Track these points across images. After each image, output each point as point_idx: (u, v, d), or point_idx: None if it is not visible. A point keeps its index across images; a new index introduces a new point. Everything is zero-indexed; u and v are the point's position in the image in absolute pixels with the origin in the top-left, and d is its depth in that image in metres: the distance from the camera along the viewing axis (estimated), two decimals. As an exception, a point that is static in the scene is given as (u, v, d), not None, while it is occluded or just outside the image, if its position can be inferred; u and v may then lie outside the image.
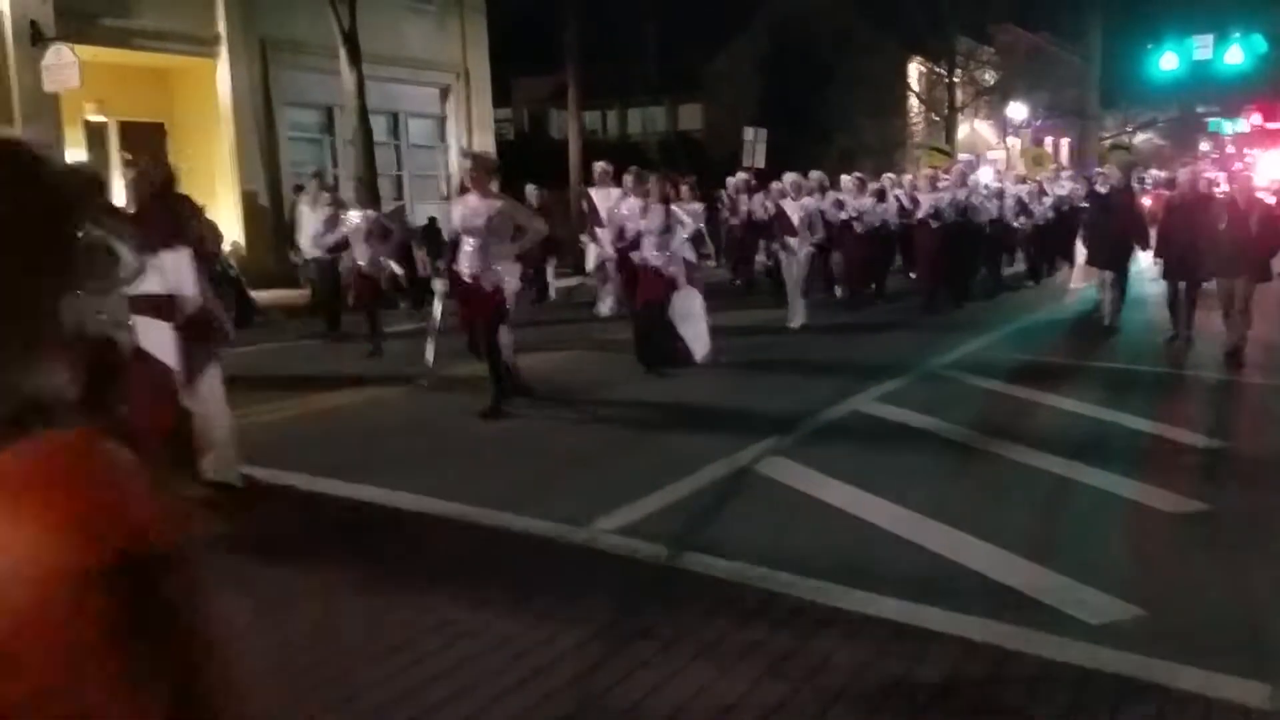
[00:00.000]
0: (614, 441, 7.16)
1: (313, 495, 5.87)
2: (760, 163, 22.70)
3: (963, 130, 37.93)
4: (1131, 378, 9.55)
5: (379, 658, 3.79)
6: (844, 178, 15.47)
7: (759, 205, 16.13)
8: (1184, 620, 4.15)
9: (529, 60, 32.16)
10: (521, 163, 21.55)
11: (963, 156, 31.55)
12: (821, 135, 32.25)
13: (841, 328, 12.61)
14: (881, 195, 15.46)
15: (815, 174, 14.97)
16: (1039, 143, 45.83)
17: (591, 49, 27.44)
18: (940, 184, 15.91)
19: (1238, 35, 30.70)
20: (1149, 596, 4.33)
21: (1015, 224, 17.41)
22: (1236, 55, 30.73)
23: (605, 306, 13.67)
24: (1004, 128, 42.32)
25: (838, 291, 15.50)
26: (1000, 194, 17.13)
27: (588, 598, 4.32)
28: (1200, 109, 55.45)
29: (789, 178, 13.00)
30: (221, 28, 17.23)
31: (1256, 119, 53.85)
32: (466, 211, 7.92)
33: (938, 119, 37.88)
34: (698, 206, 14.30)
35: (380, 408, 8.30)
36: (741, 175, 15.87)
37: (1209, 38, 30.88)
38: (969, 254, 15.20)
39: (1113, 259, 12.03)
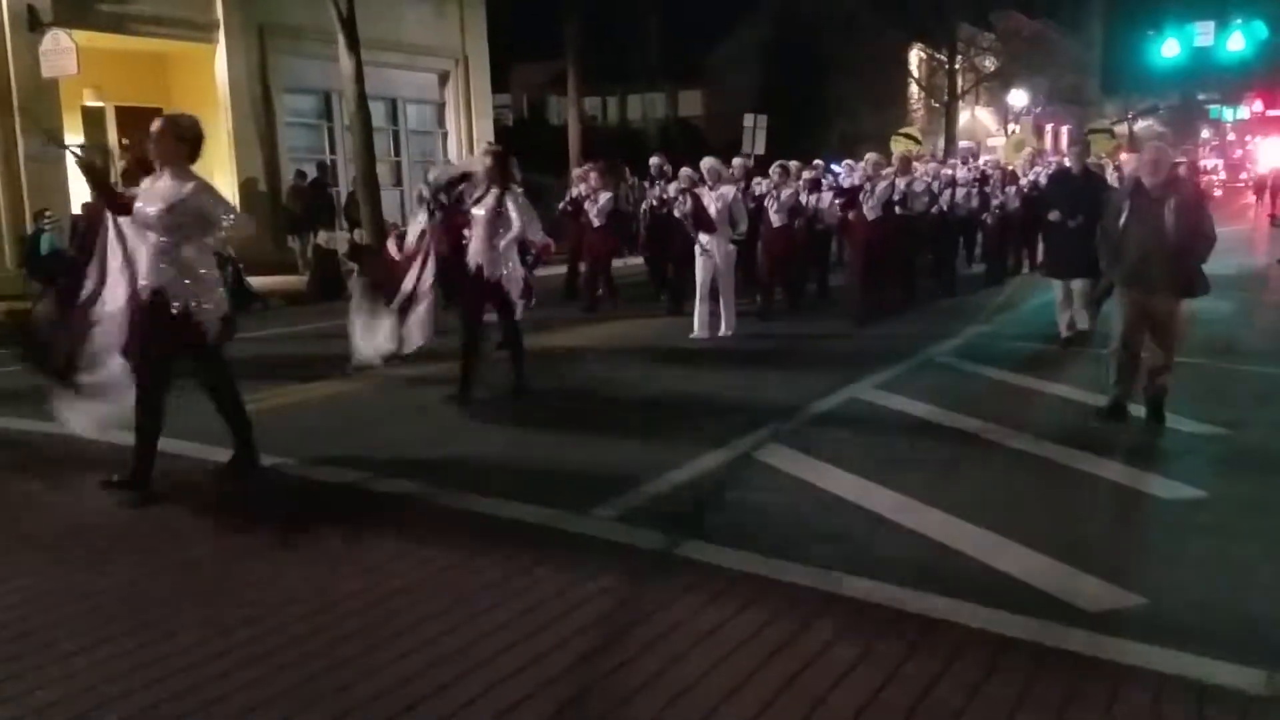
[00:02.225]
0: (612, 429, 7.16)
1: (306, 480, 5.87)
2: (760, 149, 22.69)
3: (963, 117, 37.89)
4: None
5: (375, 645, 3.79)
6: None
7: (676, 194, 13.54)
8: (1181, 607, 4.15)
9: (528, 46, 32.08)
10: (521, 149, 21.51)
11: (963, 143, 31.49)
12: (822, 122, 32.21)
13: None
14: (816, 184, 13.72)
15: (738, 161, 13.99)
16: (1040, 129, 45.78)
17: (592, 35, 27.39)
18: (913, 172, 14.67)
19: (1239, 22, 30.63)
20: (1147, 584, 4.33)
21: (985, 216, 15.90)
22: (1238, 42, 30.66)
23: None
24: (1005, 115, 42.24)
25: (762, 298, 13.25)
26: (953, 183, 15.54)
27: (585, 585, 4.32)
28: (1202, 96, 55.51)
29: (706, 163, 11.34)
30: (219, 13, 17.20)
31: (1258, 106, 53.84)
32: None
33: (938, 105, 37.82)
34: (606, 195, 13.56)
35: (380, 394, 8.29)
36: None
37: (1211, 24, 30.82)
38: (902, 251, 13.14)
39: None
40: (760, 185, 13.83)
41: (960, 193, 15.38)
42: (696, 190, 11.28)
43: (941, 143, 35.14)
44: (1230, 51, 31.29)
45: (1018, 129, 38.39)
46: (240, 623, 3.95)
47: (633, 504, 5.36)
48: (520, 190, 8.16)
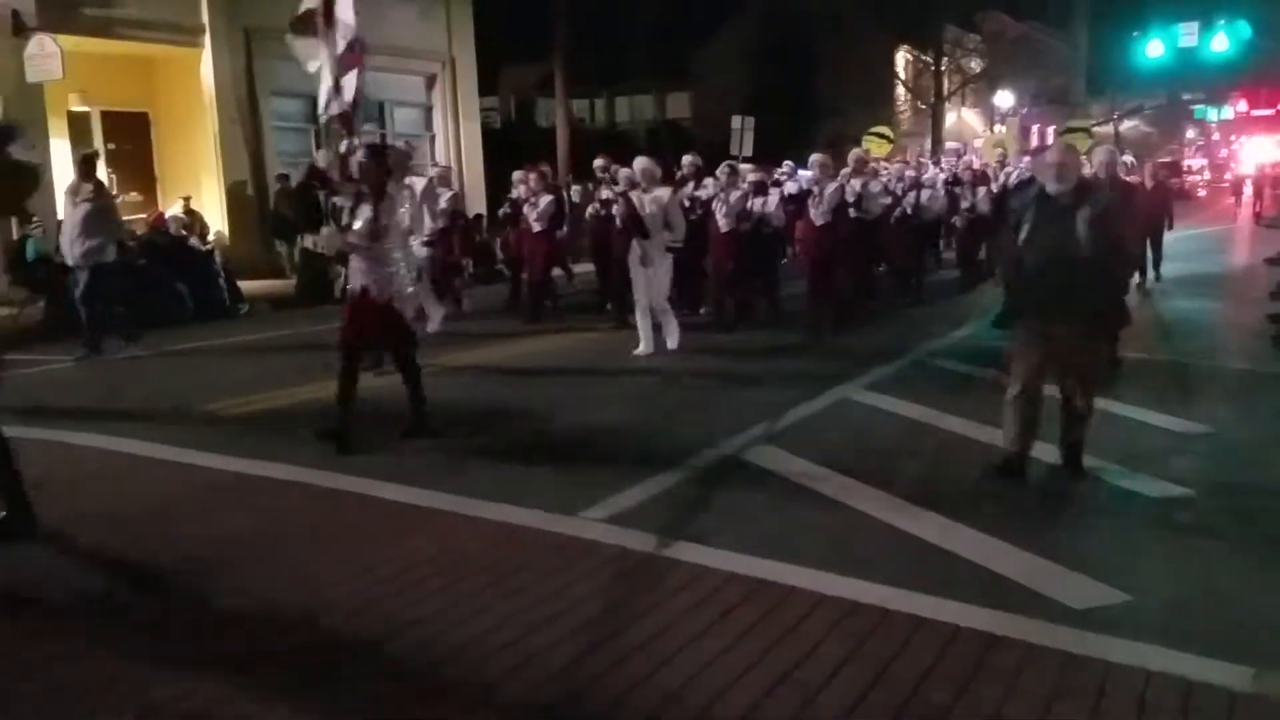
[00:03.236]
0: (601, 431, 7.17)
1: (290, 484, 5.86)
2: (748, 151, 22.71)
3: (950, 118, 38.01)
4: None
5: (366, 647, 3.79)
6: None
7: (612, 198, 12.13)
8: (1167, 604, 4.18)
9: (516, 48, 32.05)
10: (509, 151, 21.50)
11: (950, 144, 31.57)
12: (809, 124, 32.25)
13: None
14: (762, 187, 12.36)
15: (688, 159, 12.97)
16: (1026, 131, 45.93)
17: (579, 37, 27.38)
18: (880, 173, 14.21)
19: (1223, 22, 30.77)
20: (1133, 581, 4.36)
21: (955, 219, 15.38)
22: (1222, 42, 30.81)
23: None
24: (991, 116, 42.39)
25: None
26: (917, 184, 14.86)
27: (576, 587, 4.33)
28: (1186, 96, 55.69)
29: (639, 164, 10.36)
30: (205, 16, 17.12)
31: (1242, 106, 54.04)
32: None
33: (925, 107, 37.95)
34: (547, 198, 12.60)
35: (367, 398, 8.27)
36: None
37: (1195, 25, 30.96)
38: (859, 257, 12.43)
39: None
40: (705, 188, 12.55)
41: (926, 194, 14.80)
42: (629, 193, 10.29)
43: (929, 144, 35.26)
44: (1214, 52, 31.43)
45: (1003, 129, 38.56)
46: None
47: (621, 506, 5.37)
48: (414, 182, 7.93)
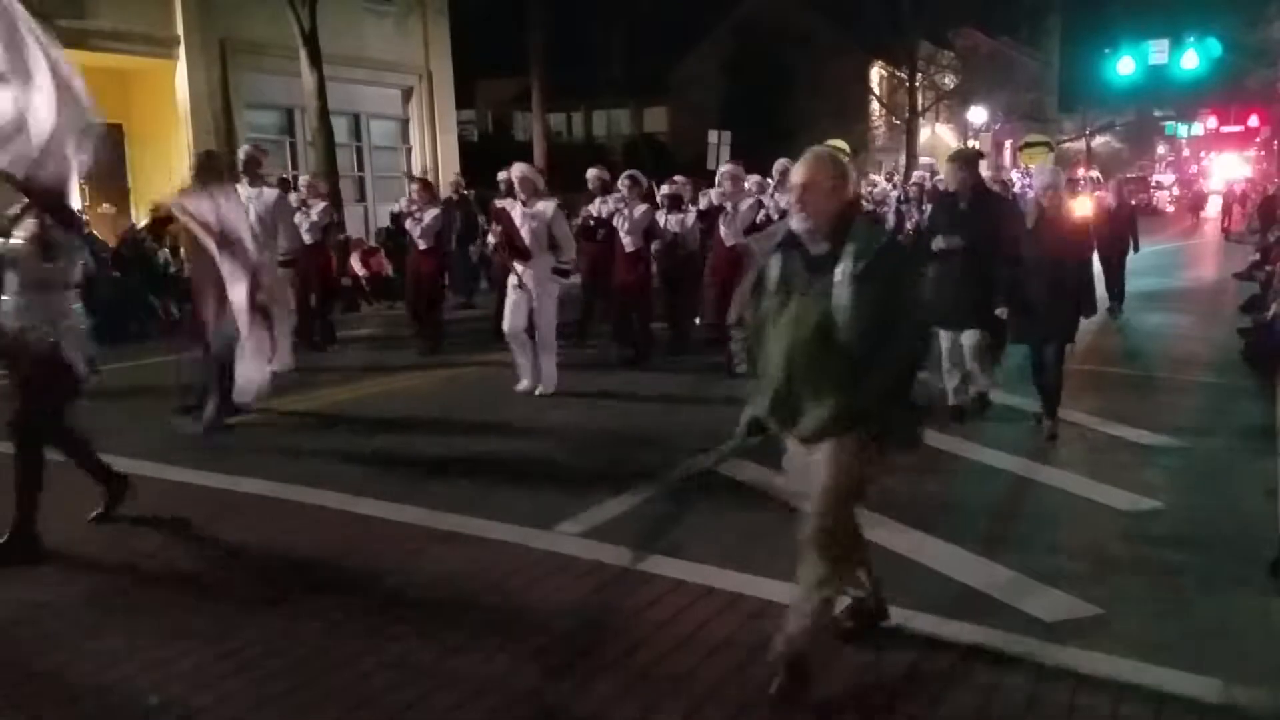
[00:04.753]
0: (576, 445, 7.16)
1: (265, 499, 5.82)
2: (724, 165, 22.79)
3: (924, 134, 38.32)
4: (1089, 378, 9.66)
5: (335, 665, 3.76)
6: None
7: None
8: (1139, 617, 4.22)
9: (493, 62, 32.08)
10: (486, 164, 21.48)
11: (924, 159, 31.82)
12: (785, 138, 32.43)
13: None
14: (677, 202, 10.94)
15: (592, 173, 11.59)
16: (999, 146, 46.38)
17: (556, 51, 27.46)
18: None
19: (1193, 40, 31.15)
20: (1104, 594, 4.40)
21: (900, 237, 14.20)
22: (1192, 60, 31.18)
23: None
24: (965, 131, 42.76)
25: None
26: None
27: (551, 601, 4.32)
28: (1157, 113, 56.41)
29: (517, 171, 8.94)
30: (179, 29, 17.05)
31: (1212, 122, 54.79)
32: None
33: (899, 122, 38.24)
34: (432, 212, 10.96)
35: (343, 413, 8.24)
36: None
37: (1165, 42, 31.33)
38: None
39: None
40: (600, 205, 11.26)
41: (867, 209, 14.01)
42: (506, 207, 8.89)
43: (903, 159, 35.54)
44: (1184, 69, 31.81)
45: (977, 144, 38.90)
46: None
47: (598, 520, 5.36)
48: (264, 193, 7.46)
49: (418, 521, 5.35)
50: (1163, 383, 9.49)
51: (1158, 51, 31.61)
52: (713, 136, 23.99)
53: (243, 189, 8.90)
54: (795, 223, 3.58)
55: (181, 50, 17.12)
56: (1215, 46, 31.90)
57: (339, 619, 4.16)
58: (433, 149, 22.15)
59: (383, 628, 4.06)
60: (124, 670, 3.72)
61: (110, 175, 17.36)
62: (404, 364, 10.41)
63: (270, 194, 9.44)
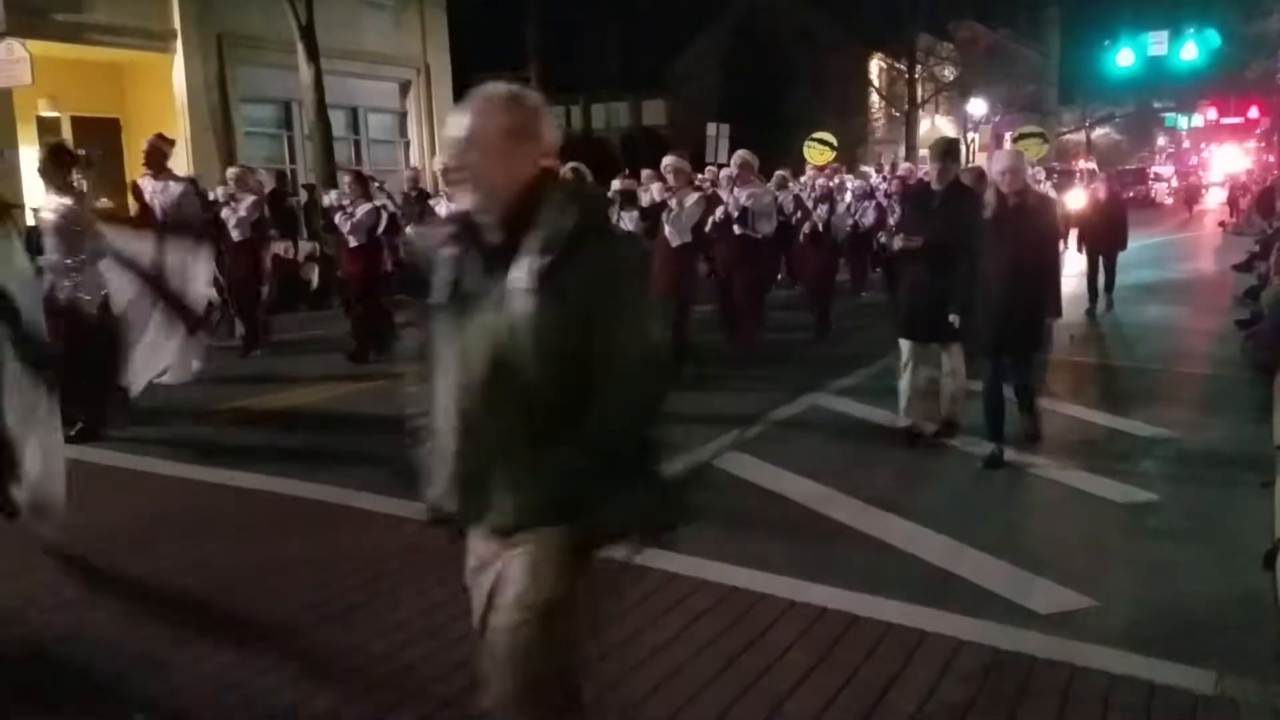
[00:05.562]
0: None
1: (253, 492, 5.82)
2: (724, 158, 22.75)
3: (924, 126, 38.24)
4: (1085, 370, 9.68)
5: (332, 658, 3.77)
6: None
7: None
8: (1132, 609, 4.23)
9: (491, 55, 31.98)
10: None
11: (923, 152, 31.69)
12: (784, 131, 32.41)
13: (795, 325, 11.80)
14: (630, 198, 10.34)
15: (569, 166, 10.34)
16: (998, 138, 46.27)
17: (554, 45, 27.42)
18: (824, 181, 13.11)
19: (1192, 31, 31.13)
20: (1098, 586, 4.40)
21: (880, 235, 13.20)
22: (1191, 51, 31.16)
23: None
24: (964, 124, 42.68)
25: None
26: (829, 196, 12.62)
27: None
28: (1157, 104, 56.30)
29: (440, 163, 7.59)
30: (176, 22, 17.03)
31: (1212, 114, 54.73)
32: None
33: (898, 115, 38.19)
34: (365, 207, 10.01)
35: (343, 405, 8.24)
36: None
37: (1164, 34, 31.32)
38: (747, 280, 9.88)
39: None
40: None
41: (842, 207, 12.91)
42: (434, 203, 8.06)
43: (903, 151, 35.48)
44: (1184, 60, 31.79)
45: (976, 136, 38.86)
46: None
47: (593, 513, 5.35)
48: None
49: (413, 516, 5.34)
50: (1158, 375, 9.49)
51: (1157, 43, 31.61)
52: (711, 129, 23.92)
53: (147, 183, 8.84)
54: (463, 200, 2.39)
55: (179, 44, 17.10)
56: (1214, 38, 31.89)
57: (334, 608, 4.16)
58: (431, 142, 22.12)
59: (373, 621, 4.07)
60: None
61: (107, 169, 17.35)
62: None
63: (176, 188, 9.23)
